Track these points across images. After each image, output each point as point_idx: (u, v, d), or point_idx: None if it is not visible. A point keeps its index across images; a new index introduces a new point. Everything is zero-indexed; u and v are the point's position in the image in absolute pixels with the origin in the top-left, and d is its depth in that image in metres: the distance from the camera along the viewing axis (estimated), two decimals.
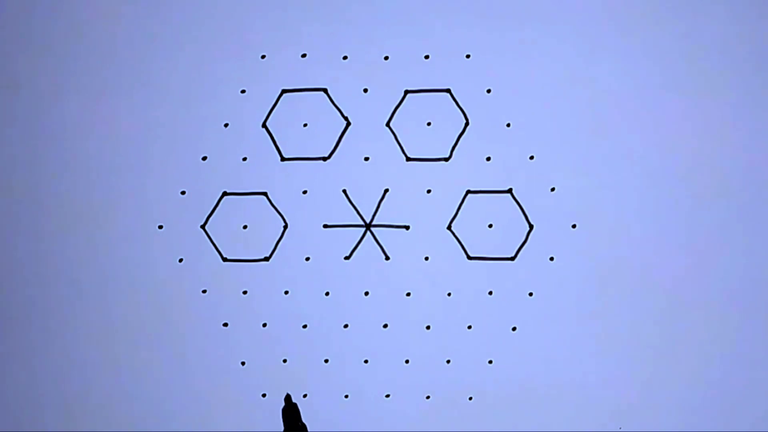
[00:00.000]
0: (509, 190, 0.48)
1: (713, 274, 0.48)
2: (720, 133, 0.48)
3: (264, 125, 0.49)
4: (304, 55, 0.49)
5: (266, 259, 0.49)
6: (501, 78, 0.48)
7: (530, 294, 0.48)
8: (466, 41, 0.48)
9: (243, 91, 0.49)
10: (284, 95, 0.49)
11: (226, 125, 0.49)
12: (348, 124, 0.49)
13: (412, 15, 0.48)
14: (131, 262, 0.49)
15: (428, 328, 0.49)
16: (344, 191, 0.49)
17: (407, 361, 0.49)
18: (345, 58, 0.48)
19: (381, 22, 0.48)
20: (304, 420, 0.49)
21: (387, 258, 0.49)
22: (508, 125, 0.48)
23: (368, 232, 0.49)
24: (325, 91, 0.49)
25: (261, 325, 0.49)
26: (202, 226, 0.49)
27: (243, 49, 0.49)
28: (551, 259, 0.48)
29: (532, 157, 0.48)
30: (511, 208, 0.48)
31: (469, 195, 0.49)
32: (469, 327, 0.49)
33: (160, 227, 0.49)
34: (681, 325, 0.48)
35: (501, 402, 0.48)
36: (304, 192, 0.49)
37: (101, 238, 0.49)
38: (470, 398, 0.49)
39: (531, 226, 0.48)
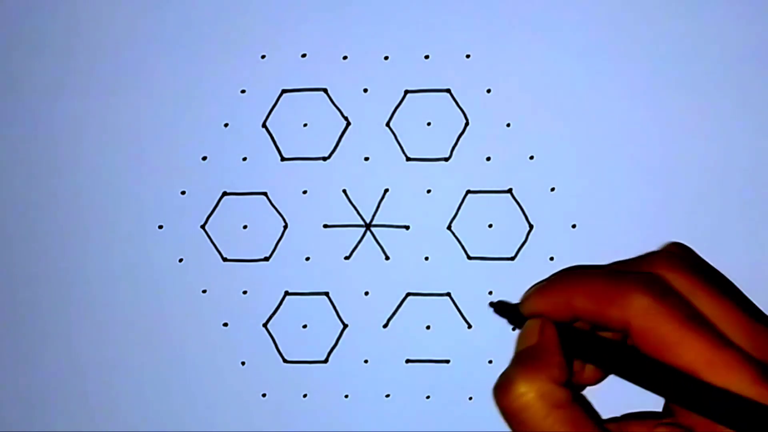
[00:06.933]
0: (509, 190, 0.48)
1: None
2: (721, 133, 0.48)
3: (264, 125, 0.49)
4: (304, 55, 0.49)
5: (266, 259, 0.49)
6: (501, 78, 0.48)
7: None
8: (466, 41, 0.48)
9: (243, 91, 0.49)
10: (284, 95, 0.49)
11: (226, 125, 0.49)
12: (348, 124, 0.49)
13: (412, 15, 0.48)
14: (131, 262, 0.49)
15: (428, 327, 0.49)
16: (344, 191, 0.49)
17: (407, 361, 0.49)
18: (345, 58, 0.48)
19: (381, 22, 0.48)
20: (304, 419, 0.49)
21: (387, 258, 0.49)
22: (508, 125, 0.48)
23: (368, 232, 0.49)
24: (325, 91, 0.49)
25: (261, 325, 0.49)
26: (202, 226, 0.49)
27: (243, 49, 0.49)
28: (551, 259, 0.48)
29: (532, 157, 0.48)
30: (511, 208, 0.48)
31: (469, 195, 0.49)
32: (469, 327, 0.49)
33: (160, 227, 0.49)
34: None
35: None
36: (304, 192, 0.49)
37: (101, 238, 0.49)
38: (470, 398, 0.48)
39: (531, 226, 0.48)
